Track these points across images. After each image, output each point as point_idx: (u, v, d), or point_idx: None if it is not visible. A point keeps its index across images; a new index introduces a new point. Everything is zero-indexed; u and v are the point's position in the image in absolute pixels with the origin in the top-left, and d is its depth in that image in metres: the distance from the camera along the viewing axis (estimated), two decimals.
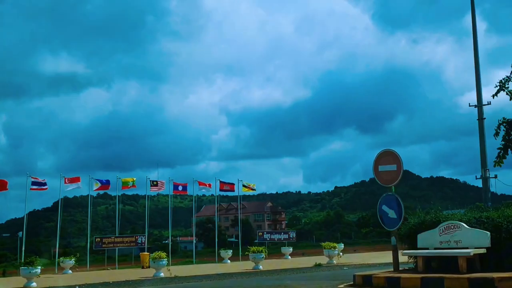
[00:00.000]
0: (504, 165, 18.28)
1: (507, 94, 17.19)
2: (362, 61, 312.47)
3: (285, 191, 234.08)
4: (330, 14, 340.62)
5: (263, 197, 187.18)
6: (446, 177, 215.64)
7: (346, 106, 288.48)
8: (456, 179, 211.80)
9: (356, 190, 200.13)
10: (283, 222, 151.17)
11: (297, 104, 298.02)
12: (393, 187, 15.15)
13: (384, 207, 15.20)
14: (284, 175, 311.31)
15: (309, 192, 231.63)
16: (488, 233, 13.21)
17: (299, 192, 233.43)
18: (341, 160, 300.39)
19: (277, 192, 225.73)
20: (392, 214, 15.00)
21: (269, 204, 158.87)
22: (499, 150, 17.82)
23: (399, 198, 14.98)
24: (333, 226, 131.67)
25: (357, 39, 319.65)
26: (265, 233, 52.25)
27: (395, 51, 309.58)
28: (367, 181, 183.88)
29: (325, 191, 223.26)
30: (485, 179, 18.75)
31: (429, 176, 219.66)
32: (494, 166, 17.94)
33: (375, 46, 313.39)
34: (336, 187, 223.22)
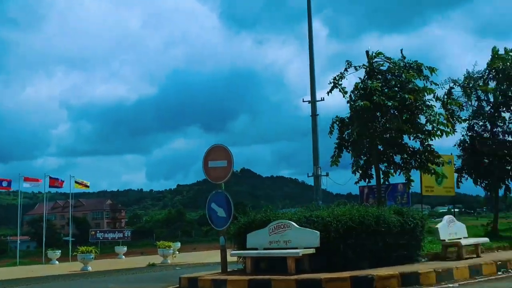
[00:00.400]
0: (340, 164, 18.29)
1: (340, 91, 17.11)
2: (209, 60, 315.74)
3: (126, 188, 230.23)
4: (178, 12, 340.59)
5: (103, 194, 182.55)
6: (286, 176, 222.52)
7: (191, 104, 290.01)
8: (295, 178, 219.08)
9: (199, 188, 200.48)
10: (123, 220, 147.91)
11: (142, 101, 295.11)
12: (223, 184, 14.35)
13: (213, 205, 14.33)
14: (126, 172, 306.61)
15: (151, 190, 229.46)
16: (318, 232, 12.81)
17: (141, 190, 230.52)
18: (184, 158, 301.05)
19: (118, 190, 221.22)
20: (221, 212, 14.16)
21: (109, 202, 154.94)
22: (334, 149, 17.76)
23: (228, 195, 14.18)
24: (174, 224, 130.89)
25: (205, 38, 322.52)
26: (98, 232, 50.05)
27: (241, 51, 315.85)
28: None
29: (168, 189, 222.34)
30: (317, 177, 18.57)
31: (270, 176, 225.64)
32: (331, 165, 17.88)
33: (222, 45, 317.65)
34: (178, 185, 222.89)
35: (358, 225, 12.93)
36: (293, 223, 13.23)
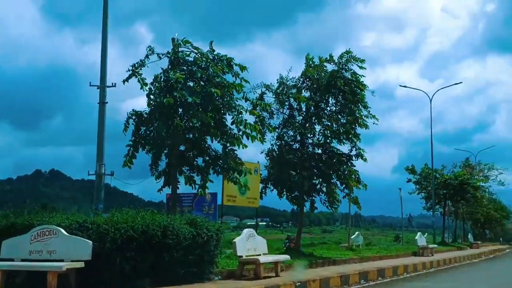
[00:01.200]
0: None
1: (138, 81, 14.90)
2: (25, 53, 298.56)
3: None
4: None
5: None
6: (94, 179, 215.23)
7: (1, 98, 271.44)
8: (107, 183, 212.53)
9: (1, 188, 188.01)
10: None
11: None
12: None
13: None
14: None
15: None
16: (90, 242, 10.56)
17: None
18: None
19: None
20: None
21: None
22: (128, 148, 15.39)
23: None
24: None
25: (22, 29, 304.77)
26: None
27: (62, 48, 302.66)
28: (14, 178, 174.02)
29: None
30: (100, 176, 16.04)
31: (80, 179, 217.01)
32: (123, 166, 15.41)
33: (41, 40, 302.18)
34: None
35: (140, 235, 10.87)
36: (61, 229, 10.84)
